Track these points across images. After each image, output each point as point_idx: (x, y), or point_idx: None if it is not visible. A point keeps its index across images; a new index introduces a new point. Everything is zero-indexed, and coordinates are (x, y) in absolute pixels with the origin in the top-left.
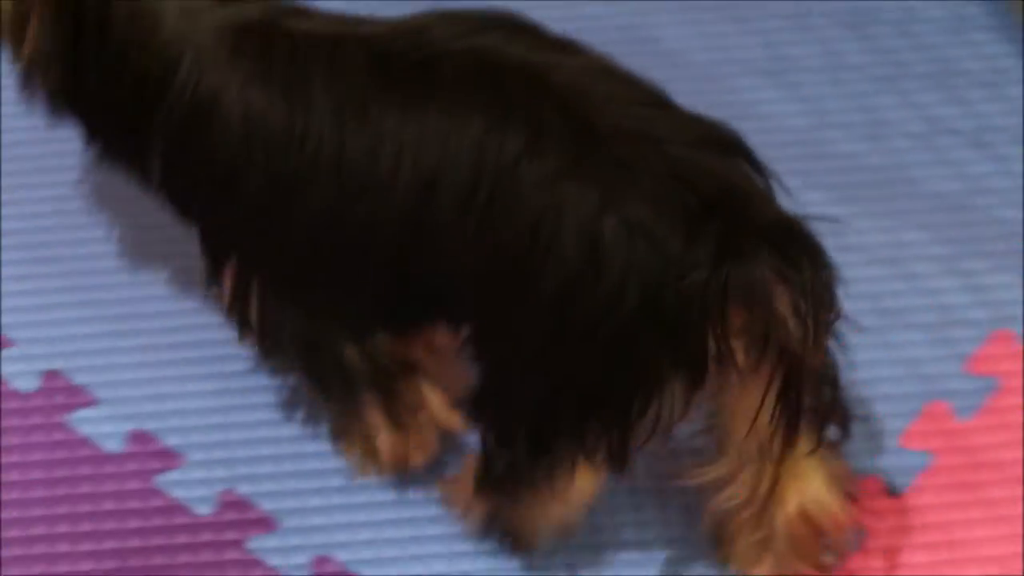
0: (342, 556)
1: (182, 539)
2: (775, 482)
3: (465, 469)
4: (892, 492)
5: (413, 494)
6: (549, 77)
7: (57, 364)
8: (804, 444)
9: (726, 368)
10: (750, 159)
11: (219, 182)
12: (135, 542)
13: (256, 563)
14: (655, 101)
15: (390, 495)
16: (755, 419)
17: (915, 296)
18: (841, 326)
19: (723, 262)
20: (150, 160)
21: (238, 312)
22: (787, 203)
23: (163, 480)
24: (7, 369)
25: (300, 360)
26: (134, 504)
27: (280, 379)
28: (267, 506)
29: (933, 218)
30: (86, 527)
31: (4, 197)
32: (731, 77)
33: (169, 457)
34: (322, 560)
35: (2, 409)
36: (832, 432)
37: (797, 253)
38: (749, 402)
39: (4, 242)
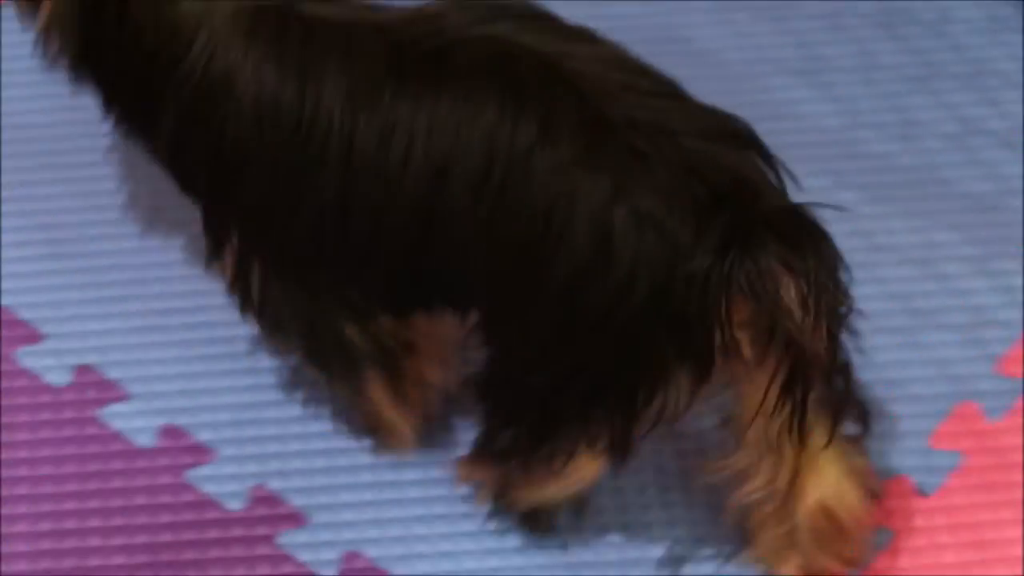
0: (372, 552)
1: (213, 534)
2: (794, 475)
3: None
4: (921, 492)
5: (443, 490)
6: (563, 66)
7: (89, 359)
8: (818, 437)
9: (733, 360)
10: (762, 152)
11: (227, 161)
12: (166, 537)
13: (286, 558)
14: (669, 92)
15: (421, 491)
16: (758, 411)
17: (946, 296)
18: (854, 318)
19: (728, 251)
20: (160, 132)
21: (240, 289)
22: (813, 200)
23: (194, 475)
24: (39, 363)
25: (301, 338)
26: (165, 499)
27: (283, 359)
28: (298, 502)
29: (965, 218)
30: (118, 521)
31: (35, 192)
32: (764, 77)
33: (201, 452)
34: (352, 556)
35: (35, 403)
36: (851, 427)
37: (804, 243)
38: (759, 394)
39: (36, 237)
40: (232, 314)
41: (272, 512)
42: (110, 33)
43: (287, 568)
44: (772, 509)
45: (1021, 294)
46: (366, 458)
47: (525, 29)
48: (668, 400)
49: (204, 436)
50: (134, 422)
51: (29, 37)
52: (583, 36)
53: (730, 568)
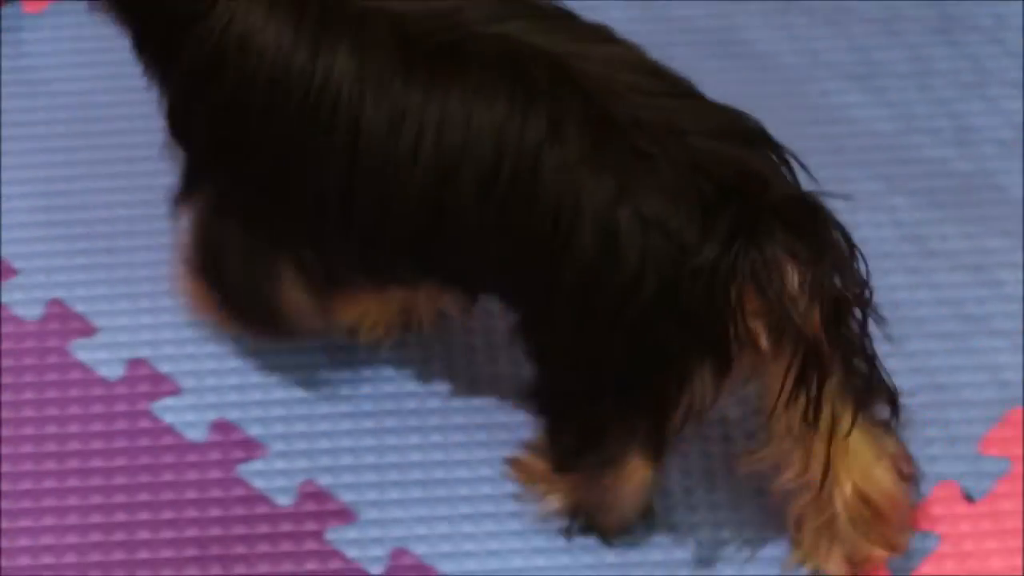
0: (419, 549)
1: (262, 529)
2: (827, 464)
3: (533, 451)
4: (969, 497)
5: (492, 489)
6: (572, 66)
7: (142, 352)
8: (845, 424)
9: (751, 352)
10: (774, 148)
11: (232, 122)
12: (215, 531)
13: (334, 554)
14: (679, 91)
15: (469, 490)
16: (777, 402)
17: (998, 303)
18: (878, 306)
19: (734, 242)
20: (172, 80)
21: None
22: (869, 207)
23: (245, 470)
24: (93, 356)
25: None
26: (216, 493)
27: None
28: (347, 498)
29: (1018, 225)
30: (168, 515)
31: (90, 186)
32: (819, 81)
33: (251, 447)
34: (399, 552)
35: (87, 396)
36: (881, 411)
37: (811, 231)
38: (779, 385)
39: (90, 231)
40: None
41: (321, 508)
42: None
43: (335, 564)
44: (810, 500)
45: None
46: (416, 455)
47: (538, 28)
48: (695, 395)
49: (255, 431)
50: (186, 416)
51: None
52: (598, 36)
53: (776, 570)
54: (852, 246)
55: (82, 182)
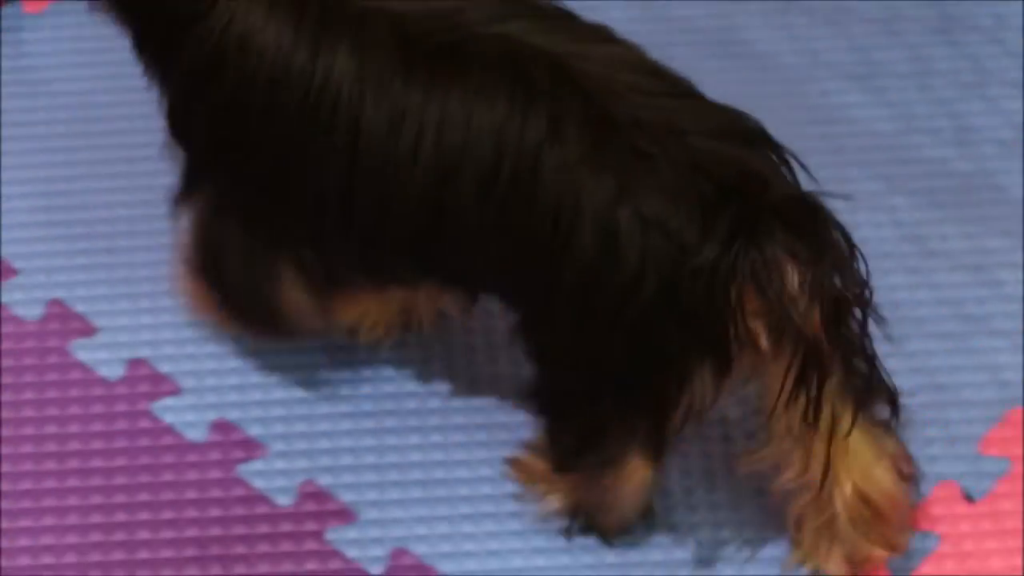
0: (420, 549)
1: (262, 529)
2: (826, 464)
3: (533, 451)
4: (970, 497)
5: (492, 489)
6: (572, 66)
7: (142, 352)
8: (845, 424)
9: (751, 351)
10: (774, 148)
11: (232, 122)
12: (215, 531)
13: (334, 554)
14: (679, 92)
15: (469, 490)
16: (777, 402)
17: (998, 303)
18: (880, 307)
19: (734, 242)
20: (171, 81)
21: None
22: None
23: (245, 470)
24: (93, 356)
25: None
26: (216, 493)
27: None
28: (347, 498)
29: (1018, 225)
30: (168, 515)
31: (90, 186)
32: (819, 81)
33: (251, 447)
34: (399, 552)
35: (87, 396)
36: (881, 411)
37: (811, 231)
38: (779, 385)
39: (90, 231)
40: None
41: (321, 508)
42: None
43: (335, 564)
44: (810, 500)
45: None
46: (416, 455)
47: (538, 28)
48: (695, 395)
49: (255, 431)
50: (186, 416)
51: None
52: (598, 36)
53: (777, 570)
54: (852, 246)
55: (82, 182)
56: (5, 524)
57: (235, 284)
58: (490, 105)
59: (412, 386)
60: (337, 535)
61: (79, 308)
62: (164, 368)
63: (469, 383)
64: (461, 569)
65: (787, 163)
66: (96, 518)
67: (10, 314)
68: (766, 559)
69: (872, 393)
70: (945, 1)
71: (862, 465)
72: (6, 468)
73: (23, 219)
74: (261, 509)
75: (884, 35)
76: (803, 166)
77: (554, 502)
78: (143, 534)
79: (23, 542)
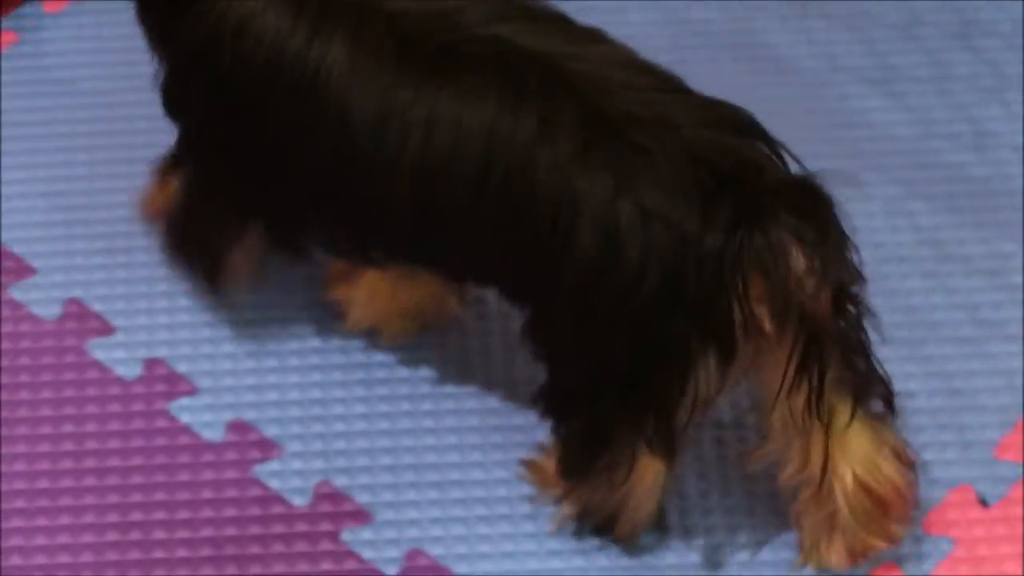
0: (435, 550)
1: (278, 529)
2: (826, 457)
3: (548, 454)
4: (984, 502)
5: (507, 491)
6: (564, 67)
7: (159, 352)
8: (842, 417)
9: (755, 338)
10: (766, 139)
11: (227, 103)
12: (231, 531)
13: (350, 555)
14: (671, 87)
15: (485, 492)
16: (779, 393)
17: (1015, 308)
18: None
19: (737, 228)
20: (169, 60)
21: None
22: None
23: (261, 470)
24: (110, 356)
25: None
26: (231, 493)
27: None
28: (362, 499)
29: None
30: (183, 515)
31: (107, 186)
32: (838, 85)
33: (267, 447)
34: (415, 554)
35: (104, 396)
36: (877, 405)
37: (815, 213)
38: (780, 376)
39: (108, 231)
40: (300, 310)
41: (336, 509)
42: None
43: (350, 564)
44: (811, 494)
45: None
46: (431, 457)
47: (532, 30)
48: (700, 385)
49: (271, 432)
50: (202, 416)
51: None
52: (592, 37)
53: (790, 572)
54: (847, 236)
55: (102, 181)
56: (23, 522)
57: (192, 226)
58: (480, 105)
59: (428, 388)
60: (352, 536)
61: (97, 307)
62: (181, 368)
63: (485, 385)
64: (476, 570)
65: (779, 155)
66: (112, 517)
67: (28, 313)
68: (781, 562)
69: (869, 386)
70: (965, 4)
71: (862, 456)
72: (24, 466)
73: (41, 218)
74: (277, 509)
75: (903, 40)
76: (801, 163)
77: (568, 504)
78: (159, 534)
79: (40, 540)
